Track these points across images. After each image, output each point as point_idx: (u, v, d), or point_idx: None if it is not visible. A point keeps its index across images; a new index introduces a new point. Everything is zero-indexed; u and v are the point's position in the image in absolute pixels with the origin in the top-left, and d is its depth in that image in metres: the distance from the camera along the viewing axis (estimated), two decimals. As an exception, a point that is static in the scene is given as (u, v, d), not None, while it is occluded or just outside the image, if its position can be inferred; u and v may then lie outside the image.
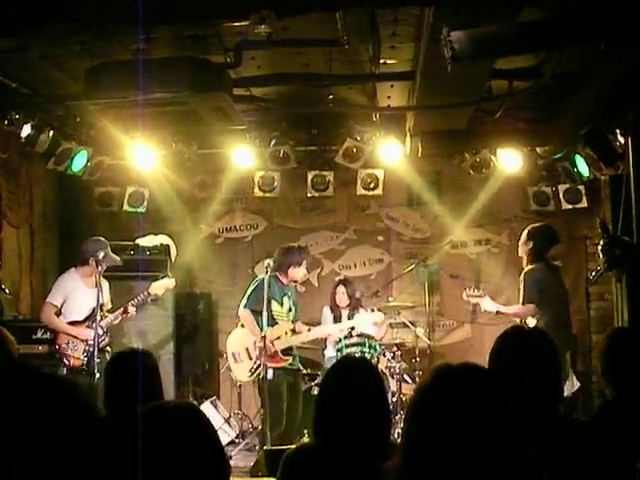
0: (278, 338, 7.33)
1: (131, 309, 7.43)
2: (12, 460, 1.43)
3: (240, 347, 7.57)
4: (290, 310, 7.55)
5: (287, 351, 7.40)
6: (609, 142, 7.33)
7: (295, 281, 7.69)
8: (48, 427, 1.48)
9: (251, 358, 7.47)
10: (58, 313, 7.32)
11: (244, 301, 7.50)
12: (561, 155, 8.61)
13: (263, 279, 7.23)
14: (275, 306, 7.42)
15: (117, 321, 7.40)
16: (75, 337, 7.19)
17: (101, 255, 7.12)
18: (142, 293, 7.56)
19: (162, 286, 7.72)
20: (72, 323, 7.27)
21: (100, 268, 7.10)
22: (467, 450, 1.77)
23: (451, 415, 1.81)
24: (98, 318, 6.99)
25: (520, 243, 7.37)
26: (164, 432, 1.92)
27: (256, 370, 7.39)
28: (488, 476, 1.77)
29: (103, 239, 7.41)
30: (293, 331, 7.43)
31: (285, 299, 7.51)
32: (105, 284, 7.50)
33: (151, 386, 3.72)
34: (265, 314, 7.05)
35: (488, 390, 1.88)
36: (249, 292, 7.50)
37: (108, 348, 7.27)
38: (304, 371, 7.90)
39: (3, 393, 1.50)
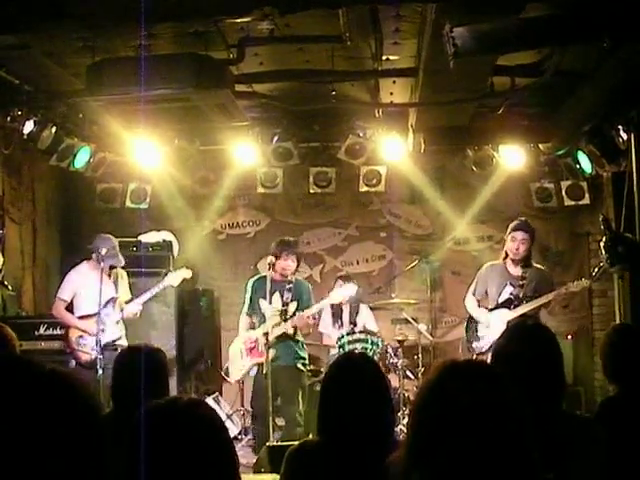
0: (264, 334, 7.26)
1: (144, 300, 7.59)
2: (13, 454, 1.43)
3: (237, 350, 7.62)
4: (286, 305, 7.32)
5: (270, 345, 7.18)
6: (612, 139, 7.32)
7: (284, 275, 7.34)
8: (49, 422, 1.48)
9: (242, 358, 7.53)
10: (70, 307, 7.39)
11: (243, 306, 7.66)
12: (564, 151, 8.60)
13: (250, 281, 7.60)
14: (263, 304, 7.37)
15: (130, 313, 7.51)
16: (84, 331, 7.25)
17: (103, 252, 7.18)
18: (157, 285, 7.62)
19: (178, 277, 7.81)
20: (84, 317, 7.32)
21: (102, 264, 7.16)
22: (473, 446, 1.77)
23: (457, 411, 1.81)
24: (92, 312, 7.13)
25: (526, 239, 7.18)
26: (177, 427, 1.92)
27: (244, 367, 7.53)
28: (494, 473, 1.77)
29: (112, 238, 7.49)
30: (266, 334, 7.07)
31: (276, 295, 7.28)
32: (124, 276, 7.67)
33: (157, 383, 3.74)
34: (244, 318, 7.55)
35: (494, 387, 1.88)
36: (244, 296, 7.64)
37: (120, 342, 7.30)
38: (303, 368, 7.59)
39: (5, 389, 1.51)
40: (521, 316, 6.98)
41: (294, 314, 7.33)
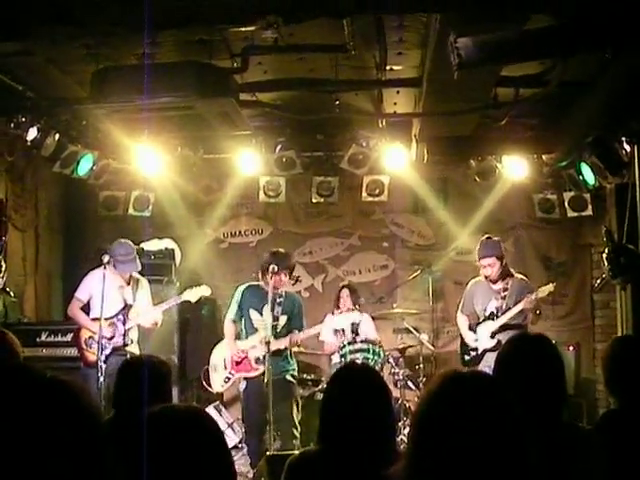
0: (253, 347, 7.24)
1: (160, 311, 7.57)
2: (15, 459, 1.43)
3: (219, 358, 7.51)
4: (276, 319, 7.16)
5: (260, 360, 7.15)
6: (615, 150, 7.32)
7: (276, 288, 7.12)
8: (50, 427, 1.48)
9: (226, 368, 7.41)
10: (87, 307, 7.38)
11: (228, 312, 7.52)
12: (567, 163, 8.60)
13: (240, 288, 7.44)
14: (254, 315, 7.27)
15: (147, 323, 7.50)
16: (94, 333, 7.22)
17: (106, 259, 7.14)
18: (173, 299, 7.60)
19: (197, 293, 7.75)
20: (97, 319, 7.26)
21: (107, 268, 7.11)
22: (474, 457, 1.76)
23: (458, 422, 1.80)
24: (105, 315, 7.04)
25: (493, 262, 7.36)
26: (172, 434, 1.91)
27: (229, 380, 7.42)
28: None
29: (130, 244, 7.48)
30: (268, 343, 6.85)
31: (266, 308, 7.05)
32: (145, 285, 7.64)
33: (159, 393, 3.75)
34: (242, 323, 7.36)
35: (496, 398, 1.88)
36: (231, 303, 7.49)
37: (130, 348, 7.29)
38: (293, 379, 7.42)
39: (8, 396, 1.51)
40: (502, 326, 7.24)
41: (284, 327, 7.25)
